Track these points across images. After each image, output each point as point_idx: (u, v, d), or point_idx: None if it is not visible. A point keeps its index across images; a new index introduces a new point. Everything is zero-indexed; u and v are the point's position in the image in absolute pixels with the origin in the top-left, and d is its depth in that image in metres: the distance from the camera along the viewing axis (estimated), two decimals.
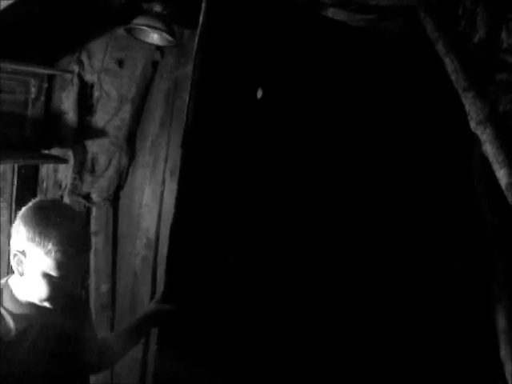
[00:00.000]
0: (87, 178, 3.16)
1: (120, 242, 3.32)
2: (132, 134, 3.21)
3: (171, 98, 3.18)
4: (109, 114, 3.12)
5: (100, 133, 3.12)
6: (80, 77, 3.05)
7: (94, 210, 3.23)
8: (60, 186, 3.13)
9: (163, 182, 3.20)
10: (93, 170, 3.16)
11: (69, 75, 3.01)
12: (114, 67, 3.08)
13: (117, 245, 3.33)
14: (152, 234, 3.23)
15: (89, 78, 3.07)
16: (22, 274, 1.76)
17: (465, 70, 1.96)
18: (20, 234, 1.72)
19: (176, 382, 2.34)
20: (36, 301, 1.78)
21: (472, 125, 1.89)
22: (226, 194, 2.24)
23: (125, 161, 3.20)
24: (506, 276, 2.33)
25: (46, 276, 1.72)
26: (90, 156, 3.14)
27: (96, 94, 3.10)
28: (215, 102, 2.13)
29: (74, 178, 3.09)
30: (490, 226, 2.45)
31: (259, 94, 2.26)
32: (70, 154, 3.05)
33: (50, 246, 1.69)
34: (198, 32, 2.08)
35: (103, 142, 3.15)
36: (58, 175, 3.12)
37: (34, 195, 3.07)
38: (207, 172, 2.13)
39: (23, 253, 1.72)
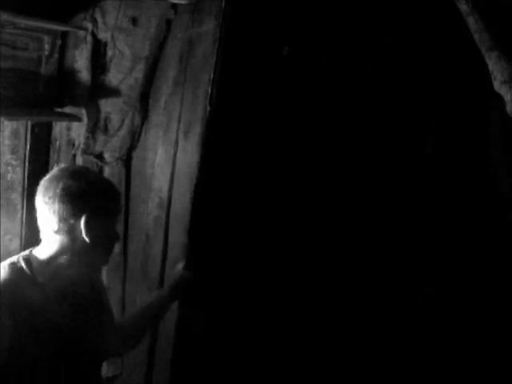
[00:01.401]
0: (100, 137, 3.21)
1: (132, 202, 3.38)
2: (145, 93, 3.24)
3: (185, 58, 3.20)
4: (122, 73, 3.16)
5: (113, 92, 3.16)
6: (93, 35, 3.09)
7: (106, 170, 3.29)
8: (73, 145, 3.19)
9: (176, 142, 3.24)
10: (106, 130, 3.21)
11: (82, 33, 3.05)
12: (128, 25, 3.11)
13: (129, 205, 3.39)
14: (164, 194, 3.28)
15: (102, 36, 3.11)
16: (70, 242, 1.96)
17: (489, 29, 1.97)
18: (68, 204, 1.93)
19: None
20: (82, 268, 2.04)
21: (496, 85, 1.91)
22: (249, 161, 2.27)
23: (138, 120, 3.24)
24: None
25: (101, 238, 2.02)
26: (103, 115, 3.19)
27: (109, 52, 3.14)
28: (241, 61, 2.14)
29: (87, 138, 3.15)
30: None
31: (286, 51, 2.28)
32: (83, 113, 3.10)
33: (103, 209, 2.01)
34: None
35: (116, 102, 3.19)
36: (71, 134, 3.18)
37: (48, 154, 3.14)
38: (231, 134, 2.15)
39: (76, 220, 1.94)
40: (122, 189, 3.35)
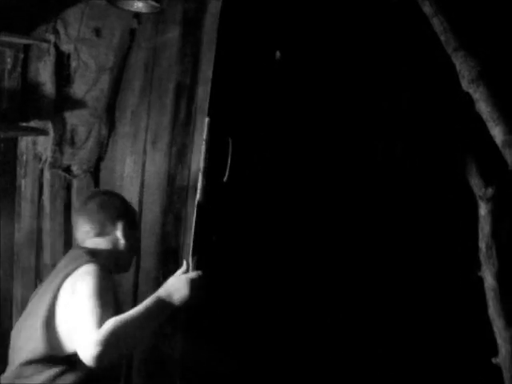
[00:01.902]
0: (67, 150, 3.19)
1: None
2: (111, 104, 3.24)
3: (150, 67, 3.21)
4: (87, 85, 3.15)
5: (79, 104, 3.14)
6: (56, 47, 3.08)
7: (74, 183, 3.27)
8: (40, 159, 3.16)
9: (144, 152, 3.25)
10: (73, 142, 3.19)
11: (45, 45, 3.04)
12: (91, 36, 3.11)
13: None
14: (135, 205, 3.25)
15: (65, 47, 3.10)
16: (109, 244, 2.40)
17: (454, 30, 2.01)
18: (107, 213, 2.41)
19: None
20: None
21: (464, 84, 1.95)
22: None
23: (105, 132, 3.23)
24: (493, 235, 2.39)
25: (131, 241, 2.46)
26: (69, 128, 3.17)
27: (73, 64, 3.13)
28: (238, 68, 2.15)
29: (54, 151, 3.13)
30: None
31: (277, 55, 2.29)
32: (49, 126, 3.07)
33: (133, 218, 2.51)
34: None
35: (82, 113, 3.18)
36: (37, 148, 3.15)
37: (14, 169, 3.11)
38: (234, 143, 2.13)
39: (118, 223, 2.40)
40: None
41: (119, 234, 2.41)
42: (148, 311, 2.02)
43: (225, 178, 2.22)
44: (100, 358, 1.88)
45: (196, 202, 2.14)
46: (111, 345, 1.90)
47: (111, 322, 1.93)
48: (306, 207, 2.78)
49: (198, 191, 2.13)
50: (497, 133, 1.76)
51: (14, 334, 2.35)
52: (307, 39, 2.85)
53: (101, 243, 2.40)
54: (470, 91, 1.92)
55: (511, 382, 2.37)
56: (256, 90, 2.59)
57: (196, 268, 2.15)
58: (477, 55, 2.00)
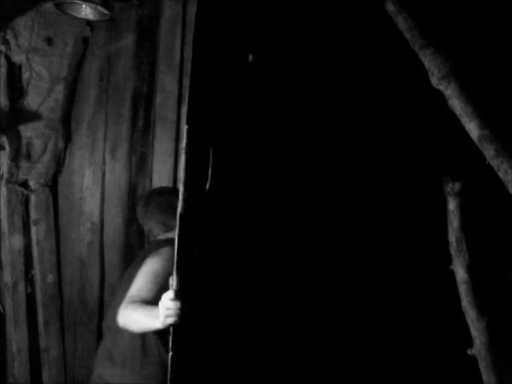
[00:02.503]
0: (23, 164, 3.11)
1: (63, 229, 3.29)
2: (67, 115, 3.18)
3: (106, 76, 3.16)
4: (41, 96, 3.07)
5: (33, 116, 3.06)
6: (7, 57, 2.99)
7: (32, 198, 3.18)
8: None
9: (104, 162, 3.19)
10: (29, 156, 3.11)
11: None
12: (43, 46, 3.03)
13: (59, 232, 3.29)
14: (96, 218, 3.21)
15: (17, 58, 3.02)
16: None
17: (419, 27, 2.02)
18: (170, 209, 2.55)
19: None
20: None
21: (434, 81, 1.96)
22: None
23: (61, 144, 3.16)
24: (463, 229, 2.43)
25: None
26: (24, 141, 3.09)
27: (26, 75, 3.04)
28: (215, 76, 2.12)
29: (10, 166, 3.03)
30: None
31: (250, 59, 2.27)
32: (4, 141, 2.98)
33: None
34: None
35: (38, 126, 3.10)
36: None
37: None
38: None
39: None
40: (51, 216, 3.26)
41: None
42: (146, 316, 2.29)
43: (206, 188, 2.19)
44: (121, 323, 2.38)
45: (178, 215, 2.10)
46: (122, 320, 2.37)
47: (129, 306, 2.36)
48: (291, 211, 2.79)
49: (180, 203, 2.10)
50: (472, 128, 1.78)
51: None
52: (280, 40, 2.86)
53: (171, 236, 2.54)
54: (441, 88, 1.94)
55: (487, 371, 2.43)
56: (234, 95, 2.56)
57: (180, 284, 2.15)
58: (445, 52, 2.03)
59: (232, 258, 2.47)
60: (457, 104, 1.87)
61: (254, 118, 2.45)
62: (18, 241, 3.14)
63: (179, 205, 2.03)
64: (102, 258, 3.23)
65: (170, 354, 2.09)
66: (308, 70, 2.65)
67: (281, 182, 2.54)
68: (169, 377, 2.10)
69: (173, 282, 2.13)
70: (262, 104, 2.42)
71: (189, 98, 1.92)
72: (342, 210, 2.72)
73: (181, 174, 2.05)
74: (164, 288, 2.29)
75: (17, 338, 3.21)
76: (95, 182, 3.21)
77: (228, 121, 2.28)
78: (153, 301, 2.33)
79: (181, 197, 2.00)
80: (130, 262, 3.19)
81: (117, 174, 3.18)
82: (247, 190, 2.58)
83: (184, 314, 2.06)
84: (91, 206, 3.22)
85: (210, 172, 2.07)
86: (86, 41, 3.12)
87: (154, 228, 2.69)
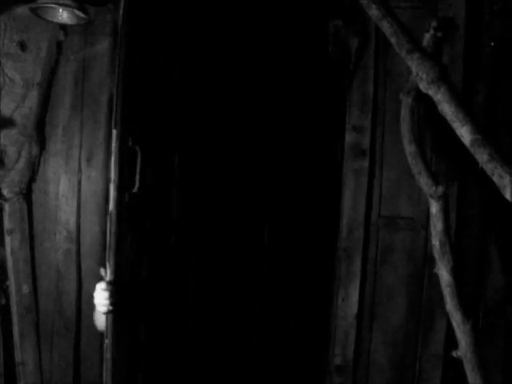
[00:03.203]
0: None
1: (37, 238, 3.22)
2: (41, 121, 3.11)
3: (81, 81, 3.11)
4: (15, 102, 3.02)
5: (7, 122, 3.00)
6: None
7: (6, 207, 3.11)
8: None
9: (79, 170, 3.14)
10: (2, 164, 3.04)
11: None
12: (16, 50, 2.98)
13: (34, 241, 3.22)
14: (72, 226, 3.16)
15: None
16: None
17: (405, 31, 2.03)
18: None
19: None
20: None
21: (423, 85, 1.97)
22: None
23: (35, 151, 3.10)
24: (446, 232, 2.45)
25: None
26: None
27: None
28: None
29: None
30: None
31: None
32: None
33: None
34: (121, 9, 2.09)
35: (11, 133, 3.04)
36: None
37: None
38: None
39: None
40: (25, 225, 3.18)
41: None
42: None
43: (135, 189, 2.25)
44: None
45: (109, 214, 2.18)
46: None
47: None
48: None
49: (110, 202, 2.18)
50: (464, 133, 1.79)
51: None
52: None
53: None
54: (430, 93, 1.95)
55: (472, 373, 2.45)
56: (161, 98, 2.62)
57: (114, 279, 2.26)
58: (433, 56, 2.05)
59: (156, 250, 2.58)
60: (447, 109, 1.88)
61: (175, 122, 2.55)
62: None
63: (110, 203, 2.11)
64: (78, 267, 3.16)
65: (106, 341, 2.24)
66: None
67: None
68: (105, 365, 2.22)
69: (105, 273, 2.27)
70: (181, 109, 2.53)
71: (116, 104, 1.96)
72: None
73: (111, 175, 2.12)
74: None
75: None
76: (71, 190, 3.15)
77: (152, 125, 2.36)
78: None
79: (111, 196, 2.10)
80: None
81: (93, 181, 3.12)
82: (170, 189, 2.67)
83: (115, 303, 2.19)
84: (67, 214, 3.16)
85: (138, 172, 2.17)
86: (60, 45, 3.06)
87: None
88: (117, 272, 2.15)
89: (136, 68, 2.09)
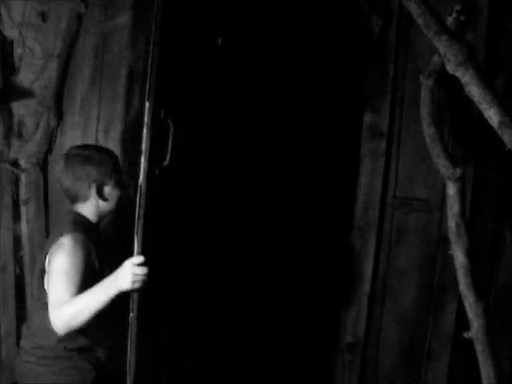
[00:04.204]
0: (14, 142, 3.08)
1: (53, 209, 3.25)
2: (60, 93, 3.14)
3: (100, 53, 3.12)
4: (34, 73, 3.03)
5: (26, 93, 3.03)
6: (0, 32, 2.93)
7: (23, 177, 3.14)
8: None
9: (97, 142, 3.15)
10: (20, 134, 3.08)
11: None
12: (37, 21, 2.99)
13: (49, 212, 3.26)
14: None
15: (9, 33, 2.98)
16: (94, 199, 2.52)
17: (433, 13, 2.05)
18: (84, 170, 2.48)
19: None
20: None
21: (450, 67, 2.00)
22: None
23: (53, 122, 3.13)
24: (462, 214, 2.48)
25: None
26: (16, 119, 3.06)
27: (18, 51, 3.01)
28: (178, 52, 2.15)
29: (2, 144, 2.99)
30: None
31: (219, 42, 2.31)
32: None
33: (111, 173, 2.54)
34: None
35: (30, 104, 3.06)
36: None
37: None
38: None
39: (93, 181, 2.49)
40: (41, 196, 3.22)
41: (98, 197, 2.53)
42: (95, 296, 2.27)
43: (166, 162, 2.27)
44: (60, 330, 2.29)
45: (139, 186, 2.20)
46: (66, 322, 2.27)
47: (67, 304, 2.27)
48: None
49: (141, 174, 2.20)
50: (492, 114, 1.83)
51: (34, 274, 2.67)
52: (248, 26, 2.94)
53: (84, 209, 2.56)
54: (458, 74, 1.98)
55: (483, 354, 2.51)
56: (198, 75, 2.63)
57: (142, 252, 2.27)
58: (461, 38, 2.07)
59: (183, 226, 2.62)
60: (475, 91, 1.91)
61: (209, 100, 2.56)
62: (7, 221, 3.12)
63: (141, 176, 2.14)
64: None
65: (131, 315, 2.27)
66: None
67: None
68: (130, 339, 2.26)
69: (135, 247, 2.26)
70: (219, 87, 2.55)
71: (149, 76, 1.97)
72: None
73: (142, 147, 2.14)
74: (80, 281, 2.35)
75: (5, 321, 3.19)
76: None
77: (185, 100, 2.38)
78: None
79: (142, 169, 2.11)
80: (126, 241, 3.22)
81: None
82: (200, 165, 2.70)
83: (149, 279, 2.20)
84: None
85: (169, 146, 2.19)
86: (80, 17, 3.08)
87: (68, 195, 2.58)
88: (144, 245, 2.17)
89: (170, 41, 2.10)
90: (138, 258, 2.22)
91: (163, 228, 2.38)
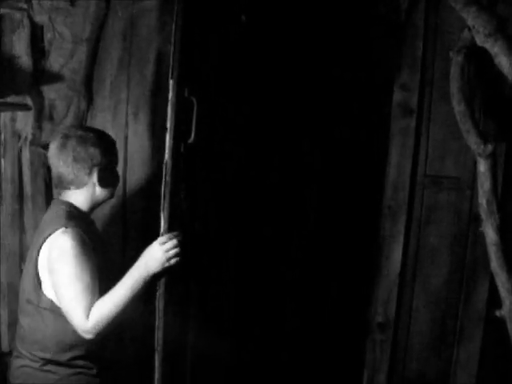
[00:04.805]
0: (46, 126, 3.12)
1: None
2: (89, 76, 3.17)
3: (129, 36, 3.14)
4: (64, 57, 3.07)
5: (57, 77, 3.06)
6: (30, 17, 2.98)
7: None
8: (19, 137, 3.07)
9: (126, 124, 3.19)
10: (51, 118, 3.12)
11: (18, 16, 2.95)
12: (66, 6, 3.02)
13: None
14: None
15: (39, 18, 3.02)
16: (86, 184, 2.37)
17: None
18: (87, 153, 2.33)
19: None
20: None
21: (479, 38, 1.98)
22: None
23: (84, 106, 3.16)
24: (493, 190, 2.45)
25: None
26: (47, 103, 3.09)
27: (48, 35, 3.05)
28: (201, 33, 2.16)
29: (34, 128, 3.03)
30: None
31: (243, 19, 2.31)
32: (28, 101, 2.98)
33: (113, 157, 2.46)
34: None
35: (60, 87, 3.10)
36: (15, 125, 3.07)
37: None
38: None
39: (95, 165, 2.35)
40: None
41: (96, 183, 2.39)
42: (128, 286, 2.20)
43: (191, 139, 2.25)
44: (96, 338, 2.22)
45: (164, 163, 2.18)
46: (102, 327, 2.20)
47: (97, 309, 2.19)
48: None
49: (166, 152, 2.18)
50: None
51: (23, 271, 2.49)
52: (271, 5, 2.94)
53: (76, 196, 2.41)
54: (487, 46, 1.96)
55: None
56: (222, 52, 2.62)
57: (168, 231, 2.25)
58: (490, 8, 2.04)
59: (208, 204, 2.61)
60: (505, 62, 1.89)
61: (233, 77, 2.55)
62: (40, 204, 3.16)
63: (166, 153, 2.12)
64: (124, 222, 3.25)
65: (158, 291, 2.26)
66: None
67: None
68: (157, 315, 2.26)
69: (162, 225, 2.25)
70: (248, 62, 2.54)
71: (173, 54, 1.97)
72: None
73: (167, 124, 2.13)
74: (94, 280, 2.25)
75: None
76: (117, 145, 3.16)
77: (209, 78, 2.37)
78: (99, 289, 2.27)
79: (167, 146, 2.11)
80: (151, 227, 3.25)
81: (139, 136, 3.18)
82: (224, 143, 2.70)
83: (181, 256, 2.20)
84: None
85: (194, 123, 2.17)
86: (108, 1, 3.09)
87: (61, 179, 2.40)
88: (171, 222, 2.18)
89: (194, 18, 2.10)
90: (166, 237, 2.21)
91: (188, 206, 2.38)
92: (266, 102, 2.99)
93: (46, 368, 2.32)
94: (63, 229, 2.26)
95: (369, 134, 3.15)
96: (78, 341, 2.26)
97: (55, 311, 2.27)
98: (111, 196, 2.50)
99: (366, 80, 3.18)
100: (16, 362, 2.41)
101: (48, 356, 2.31)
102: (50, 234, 2.27)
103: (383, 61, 3.00)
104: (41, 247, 2.29)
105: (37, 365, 2.32)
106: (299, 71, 3.06)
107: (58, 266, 2.22)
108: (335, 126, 3.16)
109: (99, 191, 2.41)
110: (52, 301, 2.27)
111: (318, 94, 3.11)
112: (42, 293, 2.29)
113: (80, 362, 2.33)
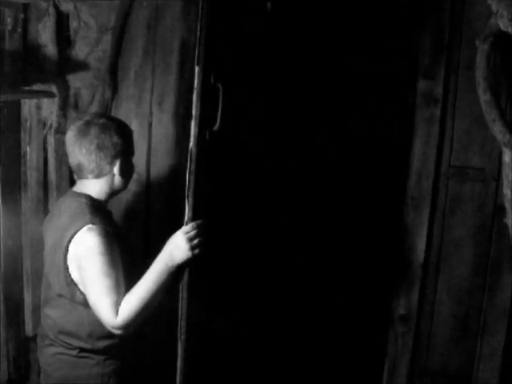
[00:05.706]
0: (71, 114, 3.16)
1: None
2: (114, 65, 3.19)
3: (153, 26, 3.16)
4: (89, 46, 3.10)
5: (81, 66, 3.10)
6: (56, 6, 3.02)
7: None
8: (44, 125, 3.10)
9: (151, 113, 3.20)
10: (76, 106, 3.15)
11: (44, 5, 3.00)
12: None
13: None
14: (142, 169, 3.23)
15: (65, 7, 3.06)
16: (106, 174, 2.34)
17: None
18: (111, 141, 2.30)
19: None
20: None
21: (503, 23, 1.94)
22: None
23: (108, 94, 3.18)
24: None
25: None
26: (72, 91, 3.14)
27: (74, 24, 3.08)
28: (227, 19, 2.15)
29: (59, 116, 3.06)
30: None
31: (268, 6, 2.30)
32: (53, 89, 3.00)
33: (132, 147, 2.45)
34: None
35: (85, 76, 3.14)
36: (41, 113, 3.11)
37: (18, 134, 3.05)
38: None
39: (118, 153, 2.32)
40: None
41: (117, 172, 2.36)
42: (155, 277, 2.18)
43: (216, 126, 2.22)
44: (126, 333, 2.22)
45: (189, 151, 2.16)
46: (132, 322, 2.19)
47: (125, 304, 2.18)
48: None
49: (191, 139, 2.15)
50: None
51: (46, 262, 2.46)
52: None
53: (93, 187, 2.37)
54: (510, 30, 1.92)
55: None
56: (247, 40, 2.61)
57: (192, 220, 2.22)
58: None
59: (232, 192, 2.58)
60: None
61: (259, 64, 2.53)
62: (64, 191, 3.18)
63: (191, 140, 2.09)
64: (147, 210, 3.26)
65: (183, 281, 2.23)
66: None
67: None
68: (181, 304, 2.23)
69: (186, 213, 2.21)
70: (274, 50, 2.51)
71: (198, 41, 1.96)
72: None
73: (193, 111, 2.10)
74: (121, 274, 2.25)
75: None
76: (142, 134, 3.22)
77: (235, 66, 2.35)
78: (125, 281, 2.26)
79: (192, 133, 2.08)
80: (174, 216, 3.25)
81: (164, 125, 3.19)
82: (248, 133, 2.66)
83: (206, 243, 2.17)
84: (137, 157, 3.18)
85: (219, 111, 2.14)
86: None
87: (81, 167, 2.34)
88: (195, 210, 2.16)
89: (219, 6, 2.08)
90: (190, 226, 2.17)
91: (213, 195, 2.36)
92: (282, 92, 2.99)
93: (82, 354, 2.35)
94: (89, 225, 2.24)
95: (391, 125, 3.12)
96: (110, 332, 2.25)
97: (88, 306, 2.26)
98: (126, 186, 2.48)
99: (392, 70, 3.14)
100: (49, 350, 2.42)
101: (83, 345, 2.33)
102: (76, 232, 2.25)
103: (407, 49, 2.96)
104: (69, 244, 2.26)
105: (74, 352, 2.35)
106: (319, 60, 3.05)
107: (86, 263, 2.22)
108: (354, 116, 3.14)
109: (118, 181, 2.38)
110: (85, 296, 2.27)
111: (342, 83, 3.09)
112: (76, 288, 2.29)
113: (112, 350, 2.36)
